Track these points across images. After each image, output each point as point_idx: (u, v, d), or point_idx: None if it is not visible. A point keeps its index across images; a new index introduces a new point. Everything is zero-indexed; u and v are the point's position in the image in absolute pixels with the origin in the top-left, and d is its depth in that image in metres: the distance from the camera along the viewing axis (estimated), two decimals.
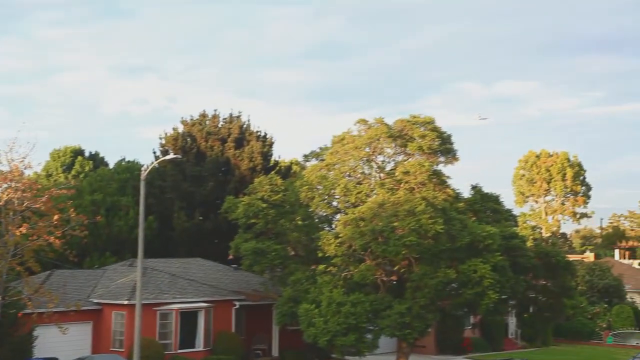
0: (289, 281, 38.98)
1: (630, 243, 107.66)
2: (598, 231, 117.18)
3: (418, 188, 37.30)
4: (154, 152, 57.71)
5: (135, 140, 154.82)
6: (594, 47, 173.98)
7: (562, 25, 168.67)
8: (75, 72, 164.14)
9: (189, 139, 57.14)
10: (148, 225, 48.19)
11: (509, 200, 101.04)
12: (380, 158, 39.97)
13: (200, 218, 53.80)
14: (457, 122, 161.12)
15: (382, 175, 39.45)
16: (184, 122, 58.76)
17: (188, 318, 40.12)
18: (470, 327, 51.67)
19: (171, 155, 46.28)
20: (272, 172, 46.36)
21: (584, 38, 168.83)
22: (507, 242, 38.00)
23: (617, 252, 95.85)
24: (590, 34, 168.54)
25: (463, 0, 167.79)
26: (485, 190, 42.82)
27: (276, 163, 59.10)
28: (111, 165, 68.56)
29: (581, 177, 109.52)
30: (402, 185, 37.64)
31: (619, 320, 60.30)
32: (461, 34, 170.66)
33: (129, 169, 58.08)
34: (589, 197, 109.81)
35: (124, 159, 64.90)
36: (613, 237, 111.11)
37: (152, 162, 42.76)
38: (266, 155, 57.91)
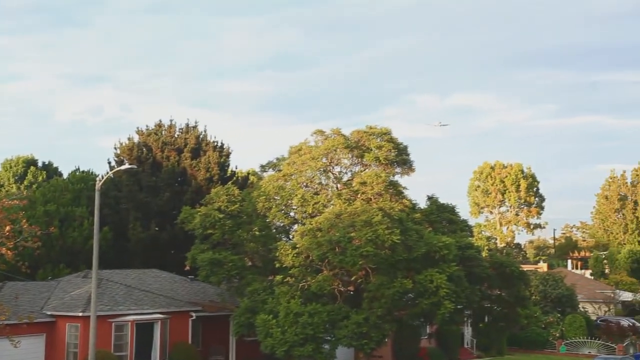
0: (246, 292, 38.90)
1: (582, 253, 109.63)
2: (551, 242, 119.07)
3: (375, 199, 37.59)
4: (109, 162, 57.18)
5: (90, 150, 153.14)
6: (548, 60, 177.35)
7: (517, 39, 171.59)
8: (27, 81, 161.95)
9: (144, 149, 56.72)
10: (103, 236, 47.67)
11: (464, 211, 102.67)
12: (337, 169, 40.21)
13: (156, 229, 53.39)
14: (414, 133, 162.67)
15: (339, 185, 39.67)
16: (139, 132, 58.32)
17: (144, 330, 39.73)
18: (426, 337, 52.03)
19: (126, 166, 45.91)
20: (229, 183, 46.25)
21: (538, 52, 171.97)
22: (463, 252, 38.47)
23: (569, 262, 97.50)
24: (544, 48, 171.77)
25: (418, 13, 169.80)
26: (441, 201, 43.33)
27: (233, 173, 58.97)
28: (65, 176, 67.69)
29: (535, 189, 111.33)
30: (359, 196, 37.90)
31: (571, 330, 61.29)
32: (417, 46, 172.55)
33: (84, 179, 57.39)
34: (542, 208, 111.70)
35: (78, 169, 64.10)
36: (566, 248, 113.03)
37: (107, 172, 42.36)
38: (223, 165, 57.75)
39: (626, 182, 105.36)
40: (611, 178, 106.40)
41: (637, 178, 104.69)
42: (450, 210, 43.04)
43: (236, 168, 61.06)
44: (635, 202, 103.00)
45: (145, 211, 53.79)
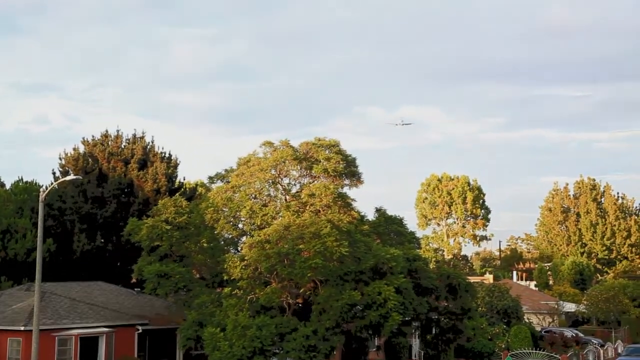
0: (193, 304, 38.49)
1: (527, 265, 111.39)
2: (497, 253, 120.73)
3: (323, 210, 37.63)
4: (54, 173, 56.16)
5: (34, 160, 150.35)
6: (493, 74, 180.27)
7: (464, 53, 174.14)
8: None
9: (90, 160, 55.85)
10: (47, 248, 46.71)
11: (412, 222, 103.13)
12: (285, 180, 40.17)
13: (102, 241, 52.55)
14: (363, 145, 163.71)
15: (287, 197, 39.61)
16: (85, 142, 57.43)
17: (88, 344, 39.00)
18: (375, 350, 52.12)
19: (71, 176, 45.11)
20: (177, 194, 45.79)
21: (484, 66, 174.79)
22: (411, 264, 38.72)
23: (515, 273, 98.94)
24: (489, 62, 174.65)
25: (366, 26, 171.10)
26: (390, 213, 43.61)
27: (181, 185, 58.43)
28: (8, 186, 66.14)
29: (481, 201, 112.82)
30: (307, 208, 37.89)
31: (517, 341, 62.02)
32: (365, 59, 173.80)
33: (27, 190, 56.11)
34: (488, 220, 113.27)
35: (21, 180, 62.71)
36: (511, 259, 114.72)
37: (52, 183, 41.67)
38: (171, 176, 57.19)
39: (569, 195, 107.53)
40: (554, 190, 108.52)
41: (579, 191, 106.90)
42: (398, 222, 43.33)
43: (184, 179, 60.55)
44: (578, 215, 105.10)
45: (91, 223, 52.91)
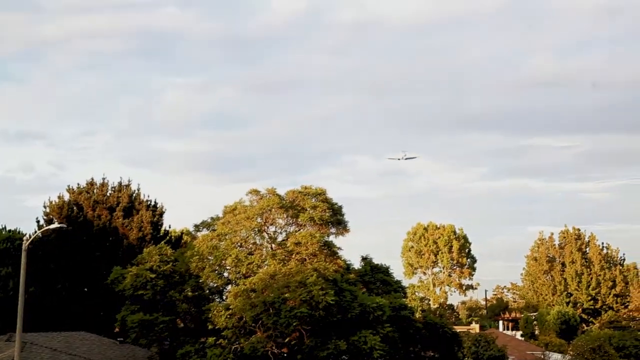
0: (177, 355, 37.92)
1: (513, 315, 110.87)
2: (483, 303, 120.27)
3: (309, 259, 37.47)
4: (38, 221, 55.70)
5: (19, 208, 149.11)
6: (479, 124, 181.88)
7: (451, 102, 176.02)
8: None
9: (75, 208, 55.50)
10: (29, 296, 46.04)
11: (398, 271, 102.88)
12: (272, 228, 40.11)
13: (85, 289, 51.92)
14: (349, 193, 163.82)
15: (273, 245, 39.46)
16: (70, 190, 57.15)
17: None
18: None
19: (56, 224, 44.73)
20: (162, 242, 45.48)
21: (470, 115, 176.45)
22: (397, 313, 38.45)
23: (501, 323, 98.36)
24: (476, 112, 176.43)
25: (353, 75, 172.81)
26: (376, 261, 43.50)
27: (166, 233, 58.08)
28: None
29: (467, 250, 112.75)
30: (293, 256, 37.74)
31: None
32: (352, 108, 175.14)
33: (10, 238, 55.58)
34: (474, 269, 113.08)
35: (4, 228, 62.20)
36: (497, 309, 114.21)
37: (35, 231, 41.26)
38: (156, 224, 56.85)
39: (554, 245, 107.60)
40: (540, 240, 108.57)
41: (565, 240, 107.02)
42: (384, 271, 43.20)
43: (170, 227, 60.21)
44: (563, 264, 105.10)
45: (75, 271, 52.35)
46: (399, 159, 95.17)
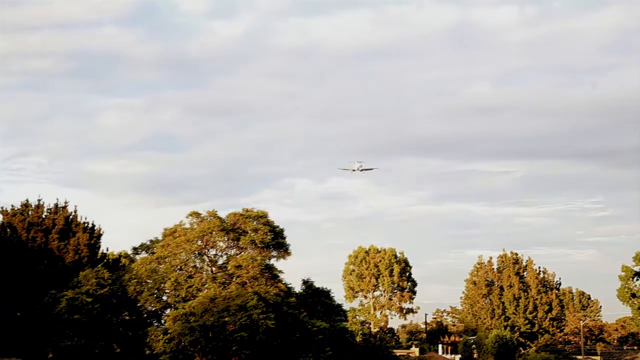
0: None
1: (453, 338, 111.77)
2: (423, 326, 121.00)
3: (250, 282, 37.21)
4: None
5: None
6: (420, 149, 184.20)
7: (392, 127, 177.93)
8: None
9: (8, 230, 53.95)
10: None
11: (339, 295, 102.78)
12: (212, 251, 39.81)
13: (18, 314, 50.38)
14: (291, 216, 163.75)
15: (214, 269, 39.12)
16: (3, 212, 55.57)
17: None
18: None
19: None
20: (100, 265, 44.54)
21: (412, 140, 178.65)
22: (338, 337, 38.37)
23: (440, 347, 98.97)
24: (417, 137, 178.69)
25: (294, 99, 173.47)
26: (317, 285, 43.48)
27: (104, 255, 56.84)
28: None
29: (407, 273, 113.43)
30: (234, 280, 37.45)
31: None
32: (294, 132, 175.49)
33: None
34: (414, 292, 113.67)
35: None
36: (437, 332, 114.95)
37: None
38: (93, 247, 55.58)
39: (493, 269, 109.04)
40: (479, 264, 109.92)
41: (503, 265, 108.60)
42: (325, 294, 43.19)
43: (107, 250, 58.97)
44: (501, 288, 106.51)
45: (8, 295, 50.79)
46: (353, 170, 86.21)
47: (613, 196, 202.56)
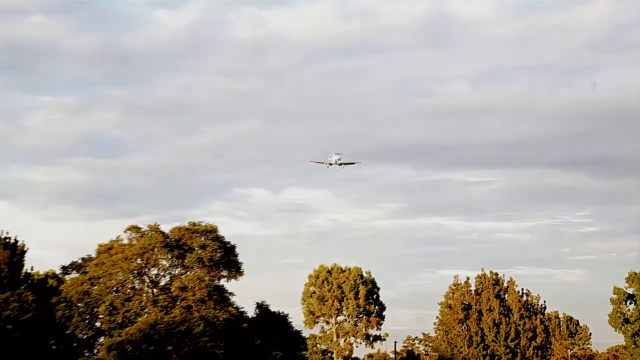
0: None
1: None
2: (392, 355, 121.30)
3: (197, 306, 36.97)
4: None
5: None
6: (388, 155, 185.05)
7: (357, 131, 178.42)
8: None
9: None
10: None
11: (298, 320, 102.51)
12: (153, 271, 39.56)
13: None
14: (243, 230, 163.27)
15: (155, 290, 38.84)
16: None
17: None
18: None
19: None
20: (22, 287, 43.89)
21: (378, 146, 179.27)
22: None
23: None
24: (384, 142, 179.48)
25: (250, 99, 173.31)
26: (273, 309, 43.31)
27: (28, 275, 56.01)
28: None
29: (374, 296, 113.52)
30: (178, 303, 37.17)
31: None
32: (248, 136, 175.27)
33: None
34: (382, 317, 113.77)
35: None
36: None
37: None
38: (15, 265, 54.70)
39: (470, 290, 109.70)
40: (455, 285, 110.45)
41: (481, 286, 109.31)
42: (282, 319, 43.11)
43: (32, 269, 58.11)
44: (480, 312, 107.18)
45: None
46: (329, 165, 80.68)
47: (603, 209, 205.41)
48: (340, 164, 70.79)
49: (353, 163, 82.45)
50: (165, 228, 39.44)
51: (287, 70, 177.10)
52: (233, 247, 40.16)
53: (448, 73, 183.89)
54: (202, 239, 38.96)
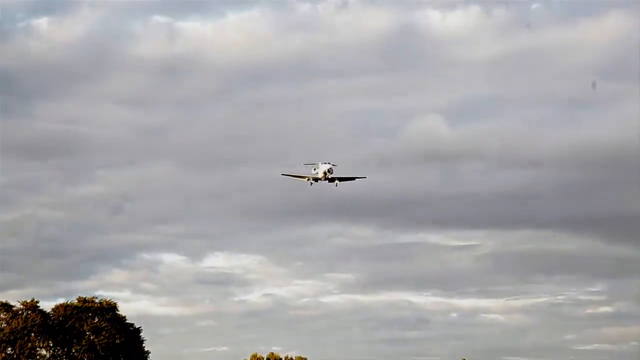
0: None
1: None
2: None
3: None
4: None
5: None
6: (341, 212, 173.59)
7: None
8: None
9: None
10: None
11: None
12: None
13: None
14: (152, 309, 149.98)
15: None
16: None
17: None
18: None
19: None
20: None
21: (329, 198, 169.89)
22: None
23: None
24: (337, 194, 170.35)
25: (157, 133, 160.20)
26: None
27: None
28: None
29: None
30: None
31: None
32: (159, 181, 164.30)
33: None
34: None
35: None
36: None
37: None
38: None
39: None
40: None
41: None
42: None
43: None
44: None
45: None
46: (313, 181, 60.31)
47: (620, 283, 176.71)
48: (332, 179, 52.93)
49: (353, 178, 59.27)
50: (46, 306, 30.63)
51: (207, 97, 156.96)
52: (138, 331, 31.47)
53: (418, 104, 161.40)
54: (96, 320, 30.51)
